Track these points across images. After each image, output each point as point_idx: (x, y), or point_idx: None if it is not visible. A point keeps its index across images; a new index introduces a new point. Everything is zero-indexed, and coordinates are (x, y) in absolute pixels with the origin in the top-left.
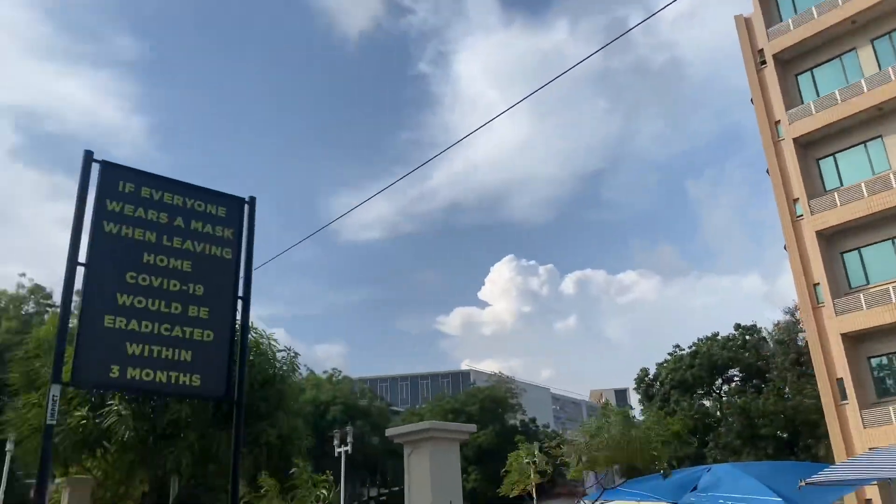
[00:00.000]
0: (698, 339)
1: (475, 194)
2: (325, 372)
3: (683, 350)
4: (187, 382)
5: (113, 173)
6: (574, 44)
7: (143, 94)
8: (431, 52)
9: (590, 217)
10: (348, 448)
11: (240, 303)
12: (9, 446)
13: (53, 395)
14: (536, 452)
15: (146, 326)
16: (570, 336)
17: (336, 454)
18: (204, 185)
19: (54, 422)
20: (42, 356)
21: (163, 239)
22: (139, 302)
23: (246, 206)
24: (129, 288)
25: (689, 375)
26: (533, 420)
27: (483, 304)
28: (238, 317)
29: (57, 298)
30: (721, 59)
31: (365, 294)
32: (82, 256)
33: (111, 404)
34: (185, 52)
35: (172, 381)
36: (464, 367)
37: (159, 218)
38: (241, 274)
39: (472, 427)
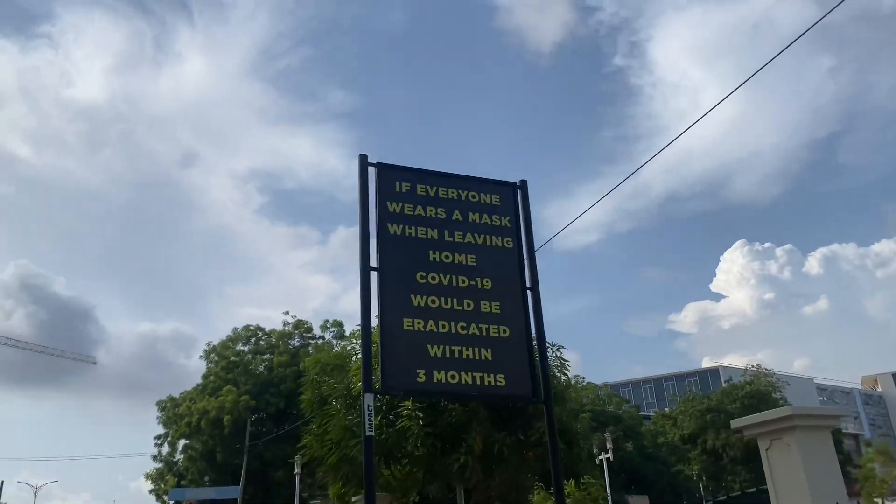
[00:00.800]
0: None
1: (693, 181)
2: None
3: None
4: (492, 383)
5: (389, 174)
6: (782, 4)
7: (360, 141)
8: (624, 45)
9: (827, 187)
10: (609, 455)
11: (529, 294)
12: (297, 469)
13: (368, 405)
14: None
15: (443, 326)
16: (824, 320)
17: (598, 461)
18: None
19: (373, 433)
20: (325, 376)
21: (444, 234)
22: (433, 302)
23: (518, 191)
24: (421, 288)
25: None
26: None
27: (718, 297)
28: (530, 309)
29: (317, 331)
30: None
31: (589, 299)
32: (373, 261)
33: (401, 408)
34: (392, 96)
35: (478, 382)
36: (705, 364)
37: (438, 213)
38: (526, 263)
39: (843, 411)
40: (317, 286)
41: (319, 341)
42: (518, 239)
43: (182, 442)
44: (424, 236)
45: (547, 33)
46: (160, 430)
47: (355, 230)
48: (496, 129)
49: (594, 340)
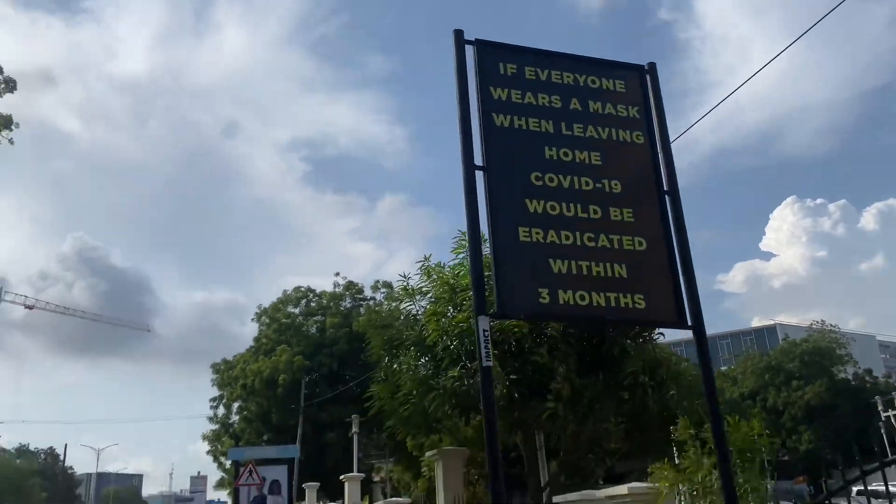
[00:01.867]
0: None
1: (742, 136)
2: None
3: None
4: (629, 305)
5: (491, 55)
6: None
7: (400, 106)
8: None
9: (883, 140)
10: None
11: (667, 199)
12: (354, 428)
13: (484, 330)
14: None
15: (567, 237)
16: (881, 277)
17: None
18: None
19: (491, 363)
20: (388, 328)
21: (561, 127)
22: (552, 208)
23: (647, 77)
24: (538, 191)
25: None
26: (869, 371)
27: (767, 256)
28: (669, 217)
29: (368, 292)
30: None
31: None
32: (478, 159)
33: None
34: (432, 59)
35: (612, 303)
36: (755, 323)
37: (552, 102)
38: (661, 161)
39: None
40: (362, 254)
41: (370, 302)
42: (650, 133)
43: (236, 405)
44: (538, 129)
45: None
46: (215, 392)
47: (401, 197)
48: None
49: None
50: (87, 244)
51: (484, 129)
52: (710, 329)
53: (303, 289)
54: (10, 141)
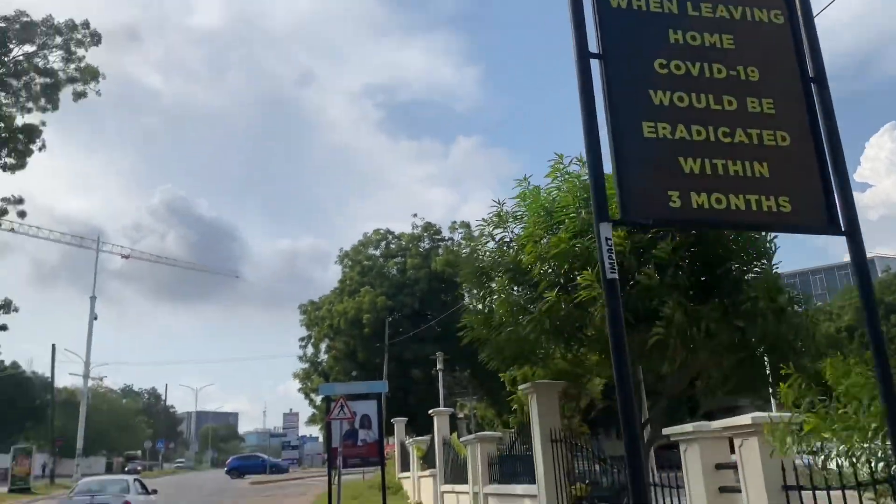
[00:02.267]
0: None
1: (835, 60)
2: None
3: None
4: (773, 208)
5: None
6: None
7: (470, 46)
8: None
9: None
10: None
11: (814, 87)
12: (439, 365)
13: (606, 238)
14: None
15: (698, 133)
16: None
17: None
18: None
19: (616, 275)
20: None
21: (687, 7)
22: (680, 99)
23: None
24: (663, 81)
25: None
26: None
27: (863, 187)
28: (817, 108)
29: (446, 233)
30: None
31: None
32: (592, 45)
33: (580, 273)
34: None
35: (753, 207)
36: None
37: None
38: (805, 44)
39: None
40: (438, 198)
41: (448, 243)
42: (791, 11)
43: (324, 344)
44: (659, 9)
45: None
46: (303, 332)
47: (474, 139)
48: None
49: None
50: (175, 195)
51: (598, 12)
52: (802, 265)
53: (382, 231)
54: (98, 93)
